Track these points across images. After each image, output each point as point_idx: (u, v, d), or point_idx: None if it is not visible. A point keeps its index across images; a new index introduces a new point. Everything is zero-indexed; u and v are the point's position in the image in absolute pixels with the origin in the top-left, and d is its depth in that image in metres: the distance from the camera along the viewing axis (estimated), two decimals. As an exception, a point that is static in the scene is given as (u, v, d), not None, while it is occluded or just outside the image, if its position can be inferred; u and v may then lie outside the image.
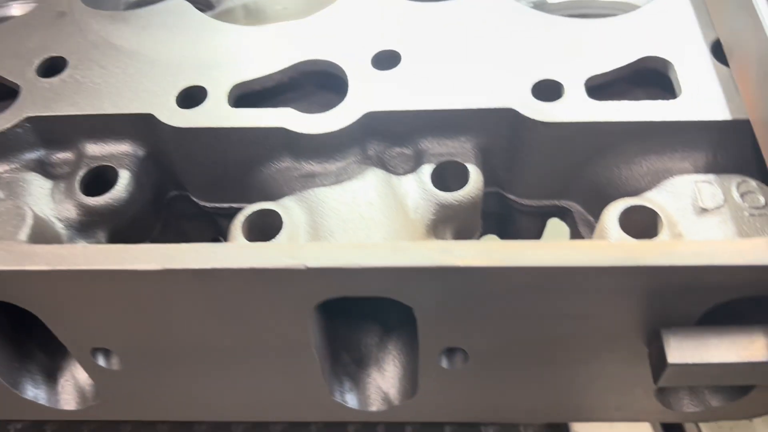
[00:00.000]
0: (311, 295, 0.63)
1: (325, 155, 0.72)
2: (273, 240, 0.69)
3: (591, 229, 0.79)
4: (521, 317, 0.66)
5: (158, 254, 0.61)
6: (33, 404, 0.82)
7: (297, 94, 0.80)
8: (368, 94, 0.72)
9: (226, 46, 0.78)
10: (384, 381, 0.83)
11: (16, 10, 0.92)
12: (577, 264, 0.58)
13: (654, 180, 0.71)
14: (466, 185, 0.71)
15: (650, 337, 0.68)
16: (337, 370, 0.82)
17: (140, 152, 0.76)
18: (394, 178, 0.73)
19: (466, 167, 0.72)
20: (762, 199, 0.67)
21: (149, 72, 0.76)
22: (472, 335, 0.69)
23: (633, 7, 0.82)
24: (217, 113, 0.71)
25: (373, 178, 0.72)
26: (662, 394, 0.81)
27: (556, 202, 0.79)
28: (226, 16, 0.84)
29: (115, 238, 0.77)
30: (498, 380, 0.77)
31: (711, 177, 0.69)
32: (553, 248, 0.59)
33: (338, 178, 0.72)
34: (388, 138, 0.73)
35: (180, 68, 0.76)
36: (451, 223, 0.73)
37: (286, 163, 0.73)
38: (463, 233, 0.76)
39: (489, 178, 0.78)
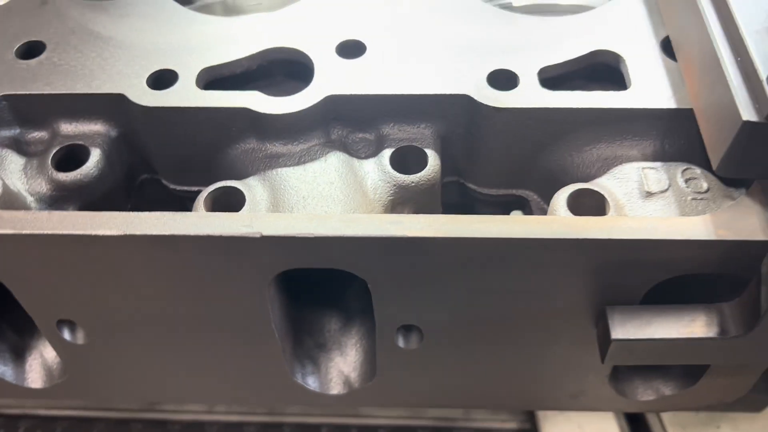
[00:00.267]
0: (268, 265, 0.65)
1: (288, 137, 0.75)
2: (235, 216, 0.72)
3: (547, 217, 0.82)
4: (472, 293, 0.68)
5: (120, 221, 0.63)
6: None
7: (266, 82, 0.83)
8: (332, 80, 0.75)
9: (198, 34, 0.81)
10: (346, 365, 0.85)
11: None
12: (521, 236, 0.61)
13: (605, 167, 0.74)
14: (425, 168, 0.74)
15: (598, 317, 0.70)
16: (299, 353, 0.84)
17: (112, 132, 0.78)
18: (355, 161, 0.76)
19: (424, 152, 0.75)
20: (705, 185, 0.70)
21: (123, 56, 0.79)
22: (426, 312, 0.71)
23: (593, 10, 0.86)
24: (185, 94, 0.74)
25: (334, 160, 0.75)
26: (616, 381, 0.82)
27: (514, 192, 0.81)
28: (205, 11, 0.88)
29: (84, 216, 0.79)
30: (454, 362, 0.79)
31: (658, 164, 0.72)
32: (500, 222, 0.62)
33: (301, 160, 0.75)
34: (351, 123, 0.76)
35: (153, 53, 0.79)
36: (410, 205, 0.75)
37: (251, 144, 0.76)
38: (422, 217, 0.79)
39: (449, 167, 0.81)
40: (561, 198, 0.70)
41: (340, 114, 0.75)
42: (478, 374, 0.80)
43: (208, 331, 0.74)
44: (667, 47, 0.77)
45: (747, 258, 0.61)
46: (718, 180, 0.70)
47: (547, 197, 0.80)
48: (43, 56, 0.79)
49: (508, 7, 0.93)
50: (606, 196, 0.69)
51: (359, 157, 0.77)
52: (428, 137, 0.76)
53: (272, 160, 0.75)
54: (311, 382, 0.83)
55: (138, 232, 0.62)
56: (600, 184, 0.71)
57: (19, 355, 0.86)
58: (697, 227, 0.61)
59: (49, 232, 0.63)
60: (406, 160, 0.76)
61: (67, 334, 0.76)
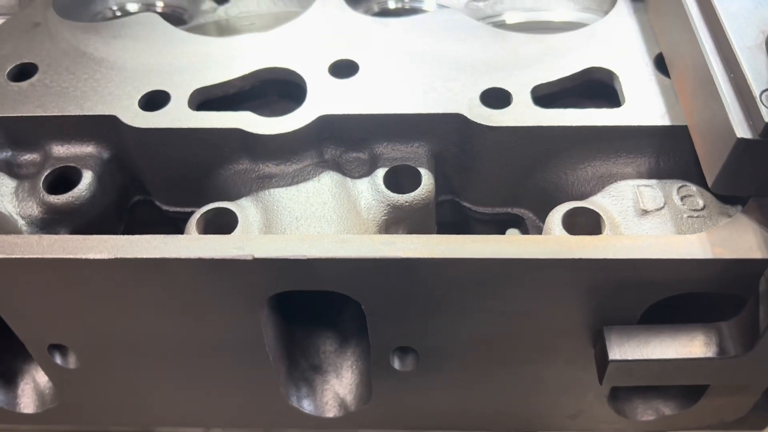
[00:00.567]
0: (260, 288, 0.65)
1: (281, 157, 0.74)
2: (228, 237, 0.71)
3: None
4: (468, 314, 0.67)
5: (110, 244, 0.62)
6: (-9, 406, 0.83)
7: (259, 102, 0.82)
8: (325, 100, 0.75)
9: (191, 55, 0.81)
10: (341, 387, 0.84)
11: (-6, 22, 0.95)
12: (515, 256, 0.60)
13: (599, 185, 0.74)
14: (418, 188, 0.74)
15: (595, 337, 0.69)
16: (294, 375, 0.83)
17: (104, 154, 0.78)
18: (349, 180, 0.75)
19: (418, 171, 0.75)
20: (701, 202, 0.69)
21: (115, 77, 0.79)
22: (421, 333, 0.70)
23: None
24: (177, 115, 0.74)
25: (328, 180, 0.74)
26: (615, 401, 0.81)
27: (509, 210, 0.81)
28: (198, 32, 0.87)
29: (76, 238, 0.78)
30: (451, 384, 0.78)
31: (653, 182, 0.72)
32: (494, 242, 0.61)
33: (294, 180, 0.74)
34: (344, 142, 0.76)
35: (145, 74, 0.79)
36: (404, 225, 0.75)
37: (244, 165, 0.75)
38: (416, 237, 0.78)
39: (444, 185, 0.80)
40: (556, 217, 0.69)
41: (333, 134, 0.75)
42: (475, 396, 0.79)
43: (202, 354, 0.73)
44: (661, 64, 0.77)
45: (745, 276, 0.60)
46: (714, 197, 0.69)
47: (543, 215, 0.79)
48: (35, 78, 0.79)
49: (502, 25, 0.93)
50: (601, 214, 0.69)
51: (353, 177, 0.76)
52: (422, 156, 0.76)
53: (265, 181, 0.75)
54: (306, 405, 0.82)
55: (129, 256, 0.62)
56: (595, 202, 0.71)
57: (10, 380, 0.85)
58: (694, 246, 0.61)
59: (39, 256, 0.62)
60: (400, 179, 0.76)
61: (58, 359, 0.76)
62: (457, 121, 0.72)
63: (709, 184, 0.63)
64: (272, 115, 0.75)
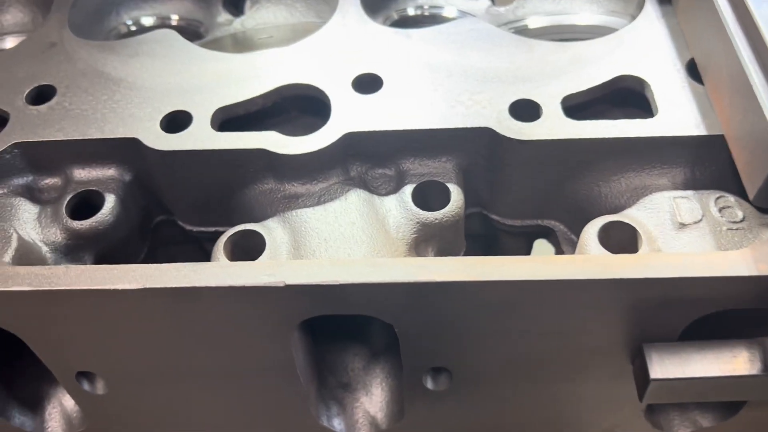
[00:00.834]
0: (292, 314, 0.63)
1: (307, 176, 0.73)
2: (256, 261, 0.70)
3: (574, 247, 0.79)
4: (503, 335, 0.66)
5: (138, 274, 0.61)
6: (19, 432, 0.82)
7: (281, 119, 0.81)
8: (349, 116, 0.73)
9: (211, 73, 0.80)
10: (372, 405, 0.83)
11: (9, 42, 0.94)
12: (552, 278, 0.59)
13: (634, 197, 0.72)
14: (448, 204, 0.72)
15: (634, 354, 0.67)
16: (323, 394, 0.82)
17: (126, 177, 0.77)
18: (376, 198, 0.74)
19: (447, 187, 0.73)
20: (740, 214, 0.67)
21: (135, 98, 0.77)
22: (455, 354, 0.69)
23: (611, 31, 0.83)
24: (200, 136, 0.72)
25: (355, 199, 0.73)
26: (651, 414, 0.80)
27: (539, 222, 0.79)
28: (215, 46, 0.86)
29: (100, 262, 0.77)
30: (484, 402, 0.76)
31: (689, 193, 0.70)
32: (529, 263, 0.60)
33: (321, 199, 0.73)
34: (370, 159, 0.75)
35: (165, 94, 0.77)
36: (434, 242, 0.73)
37: (269, 185, 0.74)
38: (446, 253, 0.76)
39: (472, 198, 0.79)
40: (591, 231, 0.68)
41: (359, 151, 0.73)
42: (509, 413, 0.78)
43: (231, 378, 0.72)
44: (693, 70, 0.74)
45: (790, 292, 0.58)
46: (753, 207, 0.67)
47: (574, 226, 0.78)
48: (53, 101, 0.78)
49: (524, 30, 0.91)
50: (638, 228, 0.67)
51: (379, 194, 0.75)
52: (450, 171, 0.74)
53: (291, 201, 0.73)
54: (337, 425, 0.81)
55: (158, 285, 0.60)
56: (630, 216, 0.69)
57: (37, 405, 0.84)
58: (737, 263, 0.59)
59: (67, 287, 0.61)
60: (428, 195, 0.74)
61: (86, 386, 0.75)
62: (485, 135, 0.71)
63: (750, 196, 0.62)
64: (294, 131, 0.74)
